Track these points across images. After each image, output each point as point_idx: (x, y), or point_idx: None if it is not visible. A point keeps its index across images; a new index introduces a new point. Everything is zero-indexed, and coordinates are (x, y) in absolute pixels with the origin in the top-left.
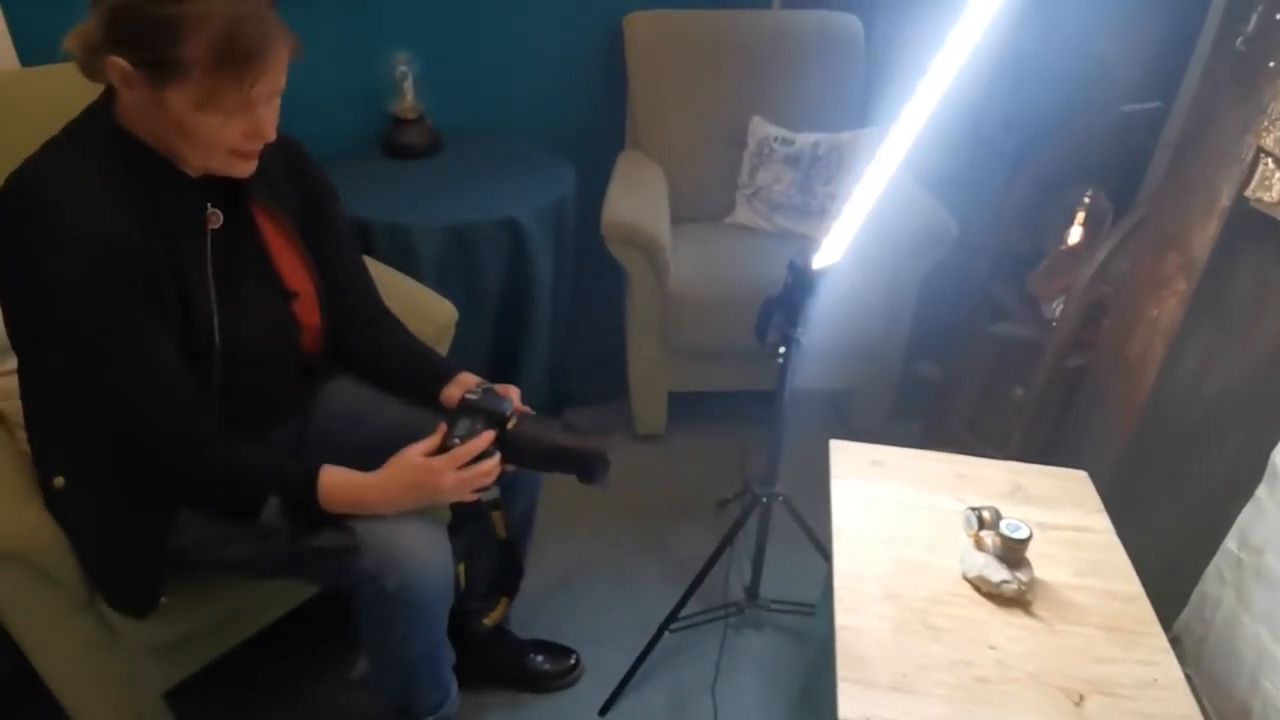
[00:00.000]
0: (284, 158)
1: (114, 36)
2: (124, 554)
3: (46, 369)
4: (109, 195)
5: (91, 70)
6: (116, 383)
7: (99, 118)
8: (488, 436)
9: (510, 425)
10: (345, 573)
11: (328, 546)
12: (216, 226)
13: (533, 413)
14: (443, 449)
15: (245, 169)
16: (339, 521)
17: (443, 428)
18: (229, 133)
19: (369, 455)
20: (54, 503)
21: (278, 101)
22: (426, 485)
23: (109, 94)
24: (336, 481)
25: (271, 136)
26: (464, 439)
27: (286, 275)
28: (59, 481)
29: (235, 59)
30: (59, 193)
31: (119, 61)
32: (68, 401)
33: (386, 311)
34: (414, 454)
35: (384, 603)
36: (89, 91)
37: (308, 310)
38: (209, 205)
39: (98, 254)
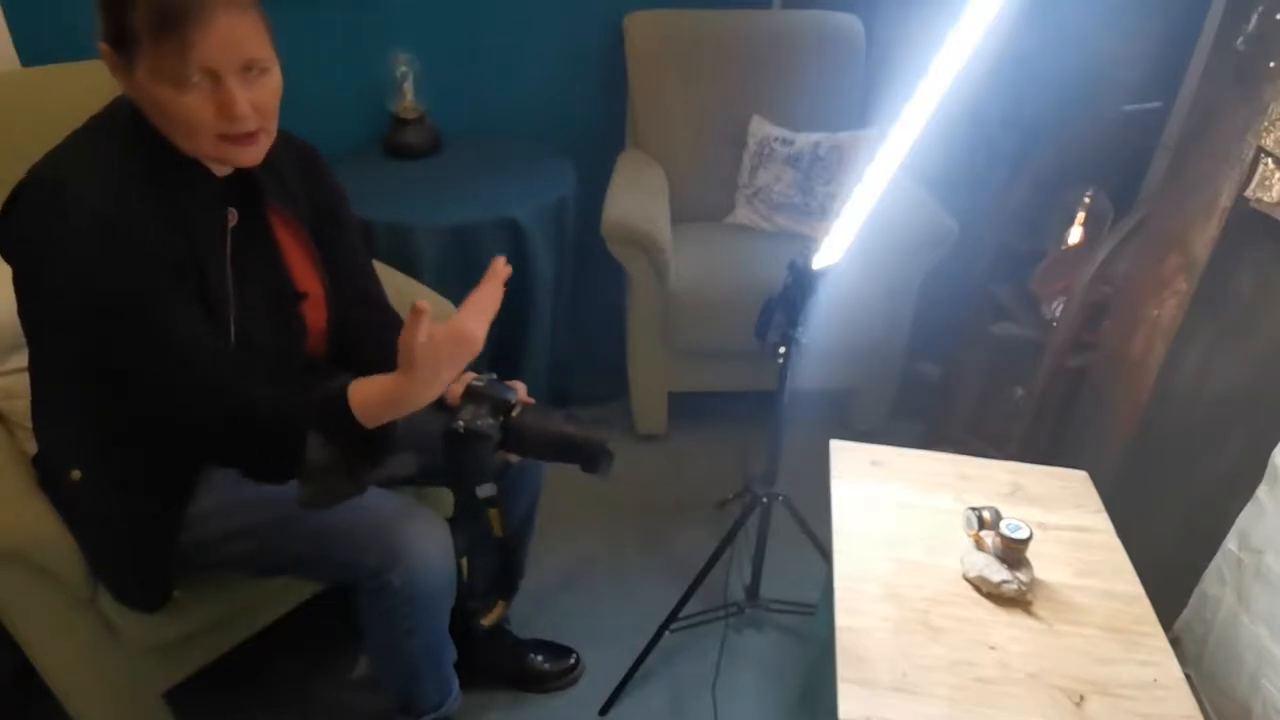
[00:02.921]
0: (299, 161)
1: (100, 22)
2: (137, 546)
3: (62, 361)
4: (129, 187)
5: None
6: (144, 354)
7: (120, 112)
8: (499, 267)
9: (514, 413)
10: (351, 569)
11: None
12: (234, 224)
13: (535, 403)
14: (449, 433)
15: (241, 155)
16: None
17: (419, 303)
18: (198, 111)
19: None
20: (67, 497)
21: (268, 82)
22: (457, 354)
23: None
24: (367, 395)
25: (249, 114)
26: (468, 423)
27: (297, 277)
28: (75, 474)
29: (169, 22)
30: (80, 184)
31: (103, 46)
32: (85, 393)
33: (395, 314)
34: (421, 340)
35: (387, 597)
36: (89, 91)
37: (315, 312)
38: (226, 204)
39: (116, 238)
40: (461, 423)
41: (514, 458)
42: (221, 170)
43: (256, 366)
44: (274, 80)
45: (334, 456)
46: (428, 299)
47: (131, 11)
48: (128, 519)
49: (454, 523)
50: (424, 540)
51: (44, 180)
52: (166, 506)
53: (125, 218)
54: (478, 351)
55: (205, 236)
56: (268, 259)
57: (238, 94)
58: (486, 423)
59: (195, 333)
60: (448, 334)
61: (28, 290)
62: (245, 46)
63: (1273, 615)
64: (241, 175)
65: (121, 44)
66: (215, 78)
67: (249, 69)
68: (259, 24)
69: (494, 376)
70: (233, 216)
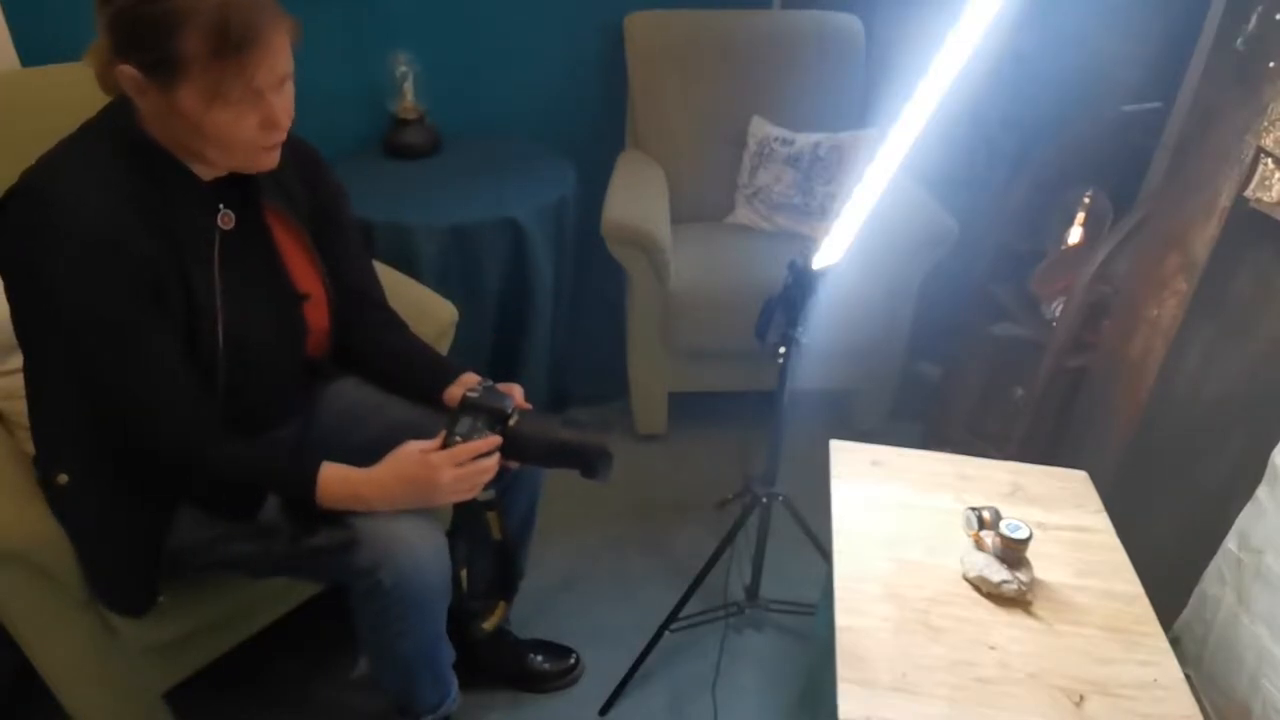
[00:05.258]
0: (297, 161)
1: (118, 43)
2: (122, 552)
3: (51, 367)
4: (116, 196)
5: (109, 84)
6: (117, 383)
7: (114, 117)
8: (492, 440)
9: (511, 422)
10: (342, 569)
11: (325, 544)
12: (229, 227)
13: (532, 409)
14: (447, 445)
15: (268, 161)
16: (337, 518)
17: (444, 434)
18: (244, 126)
19: (371, 456)
20: (56, 500)
21: (290, 88)
22: (423, 480)
23: (125, 96)
24: (334, 478)
25: (287, 124)
26: (465, 436)
27: (297, 277)
28: (62, 478)
29: (231, 47)
30: (66, 193)
31: (127, 69)
32: (71, 399)
33: (393, 314)
34: (412, 449)
35: (379, 598)
36: (89, 91)
37: (317, 313)
38: (220, 206)
39: (101, 256)
40: (459, 436)
41: (512, 464)
42: (207, 174)
43: (220, 420)
44: (293, 86)
45: (283, 523)
46: (429, 300)
47: (182, 37)
48: (113, 523)
49: (454, 531)
50: (416, 539)
51: (34, 190)
52: (152, 512)
53: (112, 232)
54: (439, 496)
55: (192, 241)
56: (266, 261)
57: (278, 106)
58: (483, 435)
59: (170, 365)
60: (445, 459)
61: (15, 299)
62: (286, 61)
63: (1273, 615)
64: (234, 176)
65: (159, 67)
66: (258, 93)
67: (284, 81)
68: (292, 35)
69: (489, 384)
70: (228, 219)
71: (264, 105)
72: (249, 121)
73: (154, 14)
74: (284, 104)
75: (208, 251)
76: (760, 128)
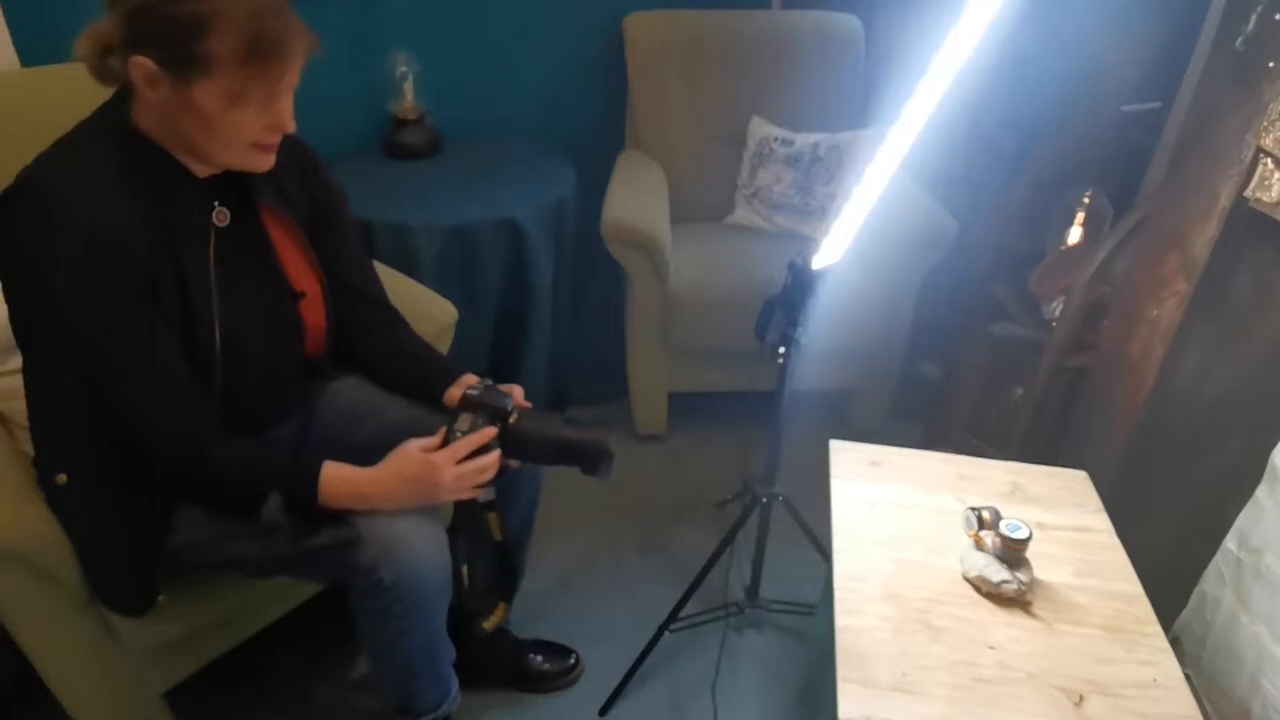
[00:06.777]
0: (294, 161)
1: (137, 36)
2: (122, 552)
3: (49, 366)
4: (113, 195)
5: (104, 73)
6: (115, 383)
7: (110, 117)
8: (489, 432)
9: (512, 420)
10: (343, 568)
11: (326, 544)
12: (224, 224)
13: (533, 408)
14: (447, 443)
15: (266, 162)
16: (338, 517)
17: (444, 431)
18: (254, 128)
19: (371, 455)
20: (55, 499)
21: (292, 94)
22: (425, 479)
23: (121, 93)
24: (335, 477)
25: (291, 127)
26: (465, 434)
27: (293, 276)
28: (61, 478)
29: (263, 52)
30: (63, 193)
31: (143, 61)
32: (70, 399)
33: (394, 312)
34: (413, 448)
35: (380, 596)
36: (90, 91)
37: (314, 311)
38: (215, 203)
39: (101, 255)
40: (459, 433)
41: (514, 463)
42: (202, 171)
43: (219, 418)
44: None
45: (284, 522)
46: (429, 300)
47: (213, 39)
48: (113, 523)
49: (454, 530)
50: (416, 538)
51: (31, 190)
52: (152, 512)
53: (112, 230)
54: (441, 495)
55: (188, 238)
56: (261, 258)
57: (287, 110)
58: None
59: (171, 364)
60: (446, 458)
61: (15, 298)
62: (299, 71)
63: (1272, 615)
64: (230, 175)
65: (182, 64)
66: (274, 98)
67: (292, 88)
68: (311, 47)
69: (490, 383)
70: (223, 216)
71: (274, 110)
72: (259, 124)
73: (185, 14)
74: (289, 107)
75: (203, 248)
76: (760, 128)
